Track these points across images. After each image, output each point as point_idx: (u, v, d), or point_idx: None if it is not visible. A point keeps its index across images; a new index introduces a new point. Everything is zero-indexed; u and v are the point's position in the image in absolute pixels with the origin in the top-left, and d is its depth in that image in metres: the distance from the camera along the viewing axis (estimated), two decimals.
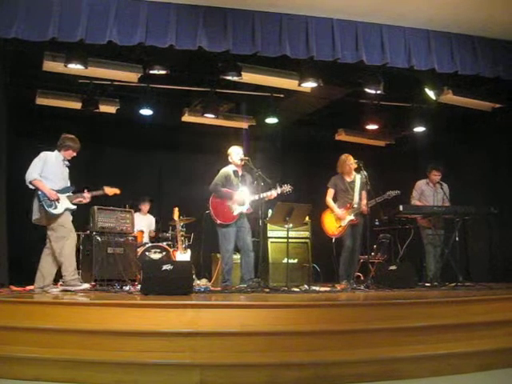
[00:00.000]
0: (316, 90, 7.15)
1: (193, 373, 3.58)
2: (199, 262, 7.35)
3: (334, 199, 6.77)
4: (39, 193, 5.37)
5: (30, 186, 5.41)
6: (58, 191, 5.49)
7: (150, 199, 8.36)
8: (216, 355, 3.73)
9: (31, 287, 5.83)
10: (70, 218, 5.56)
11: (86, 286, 5.49)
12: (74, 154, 5.72)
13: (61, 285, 5.57)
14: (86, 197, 5.77)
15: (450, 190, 7.02)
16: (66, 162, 5.70)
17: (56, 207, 5.39)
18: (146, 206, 8.28)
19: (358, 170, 6.66)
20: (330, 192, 6.78)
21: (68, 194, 5.58)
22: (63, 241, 5.39)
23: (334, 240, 6.67)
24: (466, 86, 7.18)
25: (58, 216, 5.40)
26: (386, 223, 8.13)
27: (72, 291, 5.31)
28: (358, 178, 6.70)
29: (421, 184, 7.19)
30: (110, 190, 6.01)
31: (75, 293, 5.26)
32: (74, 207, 5.61)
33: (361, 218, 6.59)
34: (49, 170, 5.48)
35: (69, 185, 5.68)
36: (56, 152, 5.65)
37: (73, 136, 5.71)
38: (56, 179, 5.51)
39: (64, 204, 5.47)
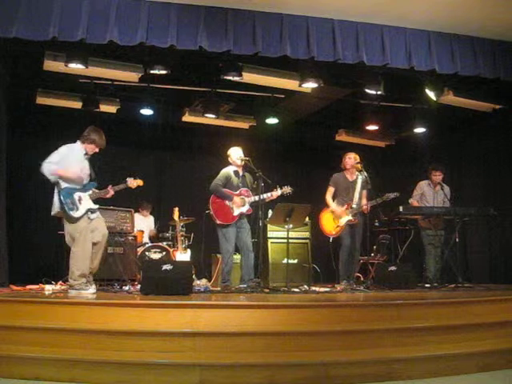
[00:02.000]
0: (316, 91, 7.15)
1: (192, 373, 3.59)
2: (199, 262, 7.35)
3: (334, 197, 6.77)
4: (62, 193, 5.13)
5: (52, 178, 5.15)
6: (79, 189, 5.27)
7: (149, 204, 8.34)
8: (216, 355, 3.74)
9: (31, 286, 5.84)
10: (87, 221, 5.24)
11: (93, 290, 5.24)
12: (97, 150, 5.45)
13: (67, 285, 5.42)
14: (111, 192, 5.56)
15: (450, 191, 7.03)
16: (87, 156, 5.42)
17: (77, 209, 5.17)
18: (147, 211, 8.28)
19: (359, 171, 6.67)
20: (330, 190, 6.77)
21: (89, 192, 5.34)
22: (73, 244, 5.22)
23: (331, 240, 6.67)
24: (466, 87, 7.18)
25: (77, 219, 5.18)
26: (386, 224, 8.14)
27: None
28: (359, 179, 6.69)
29: (423, 184, 7.18)
30: (133, 183, 5.77)
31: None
32: (96, 207, 5.37)
33: (360, 219, 6.58)
34: (66, 165, 5.20)
35: (87, 182, 5.39)
36: (78, 144, 5.38)
37: (100, 130, 5.45)
38: (74, 175, 5.24)
39: (86, 204, 5.25)
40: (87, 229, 5.25)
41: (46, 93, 7.49)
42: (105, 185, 5.76)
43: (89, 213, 5.28)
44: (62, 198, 5.14)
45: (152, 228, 8.33)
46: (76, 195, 5.25)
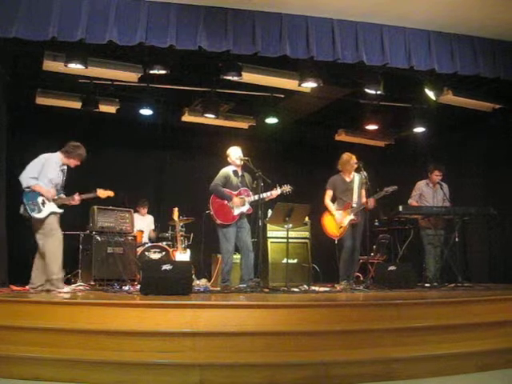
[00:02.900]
0: (316, 90, 7.15)
1: (192, 373, 3.58)
2: (199, 262, 7.35)
3: (333, 199, 6.77)
4: (25, 197, 5.36)
5: (24, 185, 5.40)
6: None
7: (147, 202, 8.34)
8: (215, 355, 3.73)
9: None
10: (56, 219, 5.50)
11: (68, 289, 5.50)
12: (78, 163, 5.70)
13: (46, 281, 5.47)
14: (76, 199, 5.68)
15: (449, 190, 7.03)
16: (64, 167, 5.66)
17: (40, 211, 5.37)
18: (144, 209, 8.28)
19: (357, 170, 6.67)
20: (329, 193, 6.76)
21: (55, 197, 5.54)
22: (47, 240, 5.38)
23: (336, 241, 6.65)
24: (465, 87, 7.18)
25: (42, 220, 5.38)
26: (386, 223, 8.13)
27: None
28: (356, 178, 6.69)
29: (421, 185, 7.19)
30: (103, 193, 5.89)
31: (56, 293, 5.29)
32: (61, 211, 5.54)
33: (361, 218, 6.58)
34: (44, 174, 5.47)
35: (59, 189, 5.62)
36: (57, 155, 5.61)
37: (80, 144, 5.66)
38: (47, 183, 5.48)
39: (49, 208, 5.44)
40: (56, 222, 5.46)
41: (46, 93, 7.50)
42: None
43: (52, 215, 5.44)
44: (24, 199, 5.38)
45: (152, 228, 8.33)
46: (40, 199, 5.43)
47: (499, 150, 7.75)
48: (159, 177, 9.39)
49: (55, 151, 5.69)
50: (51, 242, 5.39)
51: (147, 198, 8.48)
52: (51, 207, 5.45)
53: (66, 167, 5.68)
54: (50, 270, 5.35)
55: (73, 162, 5.65)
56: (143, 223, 8.15)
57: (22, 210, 5.44)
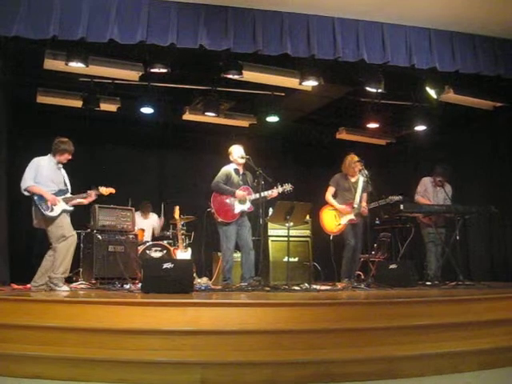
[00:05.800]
0: (317, 89, 7.15)
1: (193, 371, 3.59)
2: (200, 260, 7.36)
3: (334, 197, 6.78)
4: (35, 197, 5.42)
5: (26, 193, 5.45)
6: (54, 195, 5.51)
7: (149, 204, 8.33)
8: (217, 353, 3.74)
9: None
10: (68, 219, 5.58)
11: (66, 288, 5.50)
12: (70, 157, 5.73)
13: (48, 281, 5.51)
14: (93, 195, 5.81)
15: (452, 190, 7.02)
16: (60, 165, 5.70)
17: (53, 210, 5.44)
18: (146, 210, 8.27)
19: (360, 170, 6.67)
20: (331, 189, 6.80)
21: (63, 196, 5.59)
22: (61, 241, 5.43)
23: (331, 237, 6.67)
24: (467, 85, 7.17)
25: (55, 218, 5.45)
26: (387, 222, 8.13)
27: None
28: (360, 179, 6.71)
29: (426, 181, 7.18)
30: (105, 190, 6.00)
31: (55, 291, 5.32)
32: (71, 209, 5.63)
33: (361, 218, 6.59)
34: (42, 176, 5.51)
35: (64, 188, 5.68)
36: (48, 156, 5.66)
37: (66, 139, 5.70)
38: (49, 184, 5.54)
39: (60, 206, 5.51)
40: (69, 225, 5.54)
41: (47, 91, 7.49)
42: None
43: (64, 213, 5.52)
44: (36, 201, 5.42)
45: (156, 227, 8.31)
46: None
47: (500, 148, 7.75)
48: (160, 175, 9.40)
49: None
50: (64, 244, 5.43)
51: (148, 197, 8.47)
52: (62, 205, 5.52)
53: (61, 165, 5.71)
54: (56, 270, 5.39)
55: (63, 158, 5.67)
56: (145, 222, 8.15)
57: (35, 218, 5.48)
